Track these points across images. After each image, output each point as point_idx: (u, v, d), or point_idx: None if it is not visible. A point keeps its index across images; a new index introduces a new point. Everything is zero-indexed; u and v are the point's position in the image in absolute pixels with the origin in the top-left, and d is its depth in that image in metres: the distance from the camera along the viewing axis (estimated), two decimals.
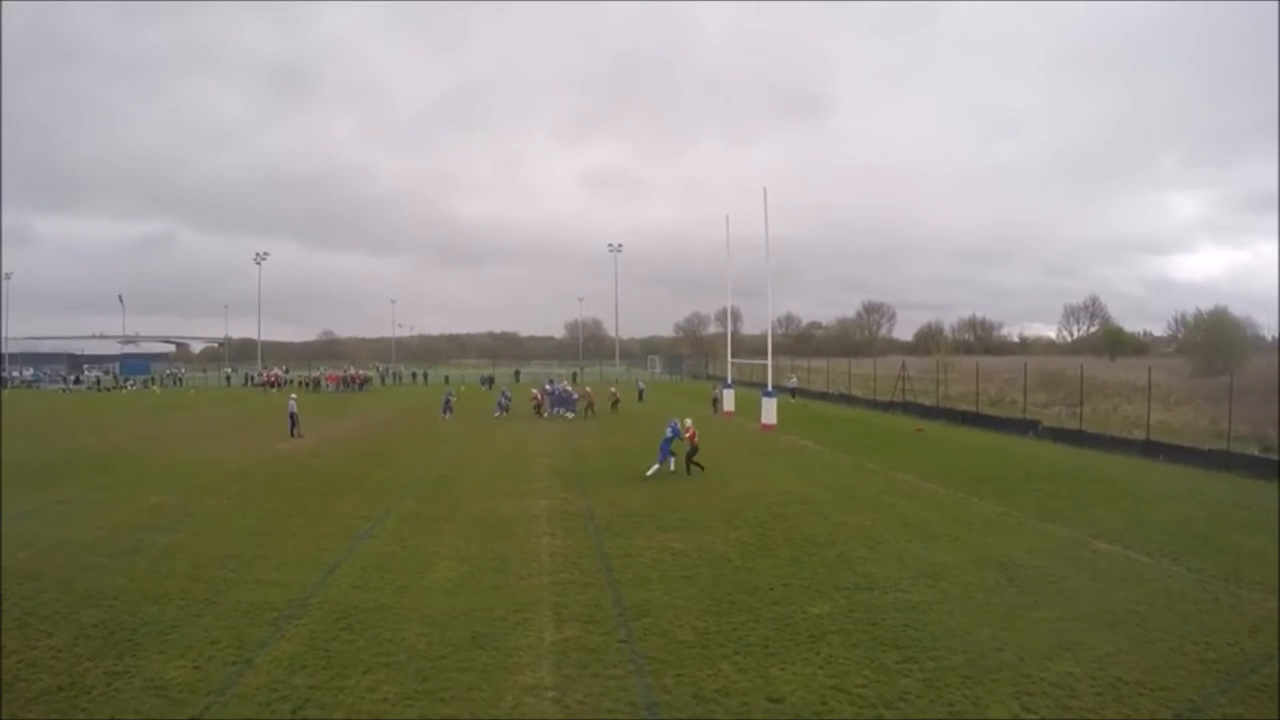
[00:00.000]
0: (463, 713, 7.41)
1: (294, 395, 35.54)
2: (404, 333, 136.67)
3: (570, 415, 37.89)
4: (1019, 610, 10.16)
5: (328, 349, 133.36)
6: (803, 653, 8.78)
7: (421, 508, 16.90)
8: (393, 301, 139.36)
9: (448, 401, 38.67)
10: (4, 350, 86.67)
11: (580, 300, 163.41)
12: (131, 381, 78.33)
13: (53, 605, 10.35)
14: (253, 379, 79.41)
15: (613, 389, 43.93)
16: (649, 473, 20.45)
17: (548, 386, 42.20)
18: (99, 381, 76.37)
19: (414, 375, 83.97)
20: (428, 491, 18.87)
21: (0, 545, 13.30)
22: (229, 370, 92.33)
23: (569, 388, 41.77)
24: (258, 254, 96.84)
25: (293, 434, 29.98)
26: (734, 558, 12.80)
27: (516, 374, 79.06)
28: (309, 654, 8.75)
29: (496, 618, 9.97)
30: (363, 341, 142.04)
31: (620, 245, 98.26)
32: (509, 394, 41.89)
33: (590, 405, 38.68)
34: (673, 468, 20.94)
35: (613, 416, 38.23)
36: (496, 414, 38.29)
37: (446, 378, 79.07)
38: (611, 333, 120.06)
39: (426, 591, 11.10)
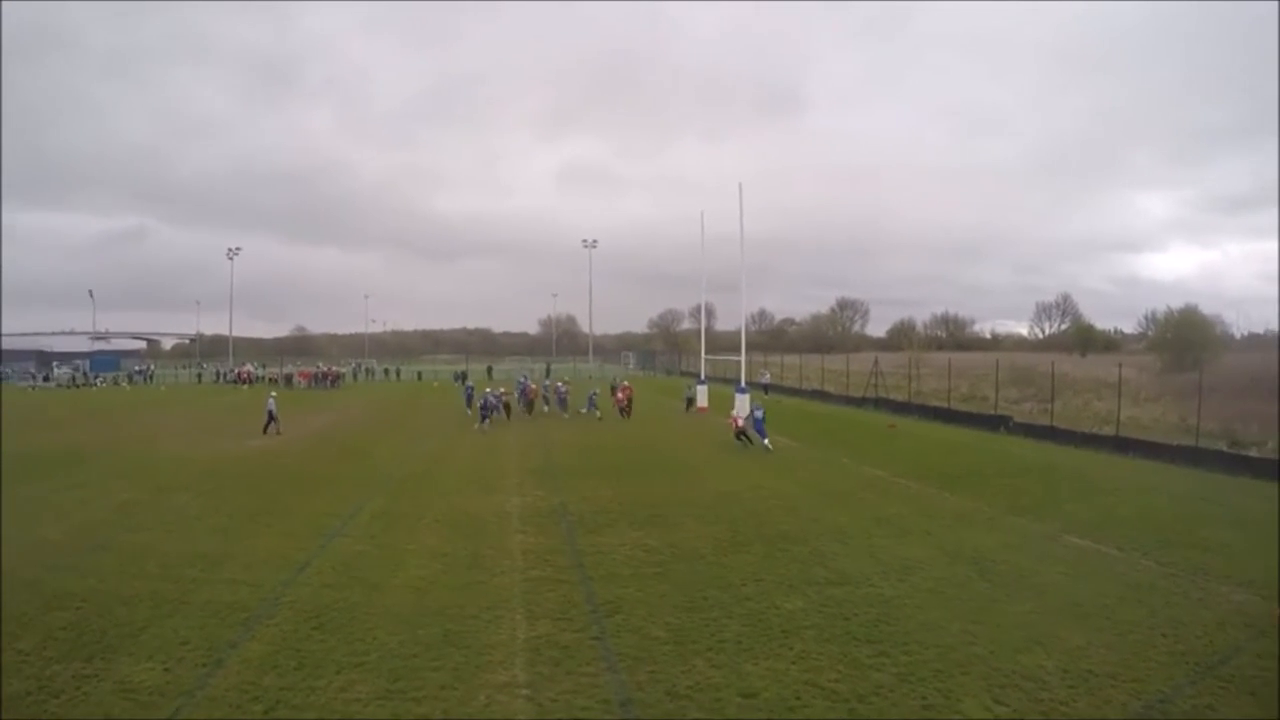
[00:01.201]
0: (435, 712, 7.37)
1: (274, 394, 35.26)
2: (377, 328, 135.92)
3: (597, 413, 34.94)
4: (990, 604, 10.26)
5: (300, 345, 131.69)
6: (776, 648, 8.82)
7: (393, 505, 16.79)
8: (366, 297, 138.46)
9: (485, 405, 32.25)
10: None
11: (554, 296, 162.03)
12: (101, 378, 77.09)
13: (20, 607, 10.16)
14: (225, 375, 78.43)
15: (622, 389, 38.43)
16: (768, 445, 24.58)
17: (520, 380, 41.14)
18: (74, 378, 75.09)
19: (387, 371, 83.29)
20: (399, 488, 18.74)
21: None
22: (200, 367, 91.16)
23: (562, 385, 38.88)
24: (230, 249, 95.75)
25: (266, 430, 29.62)
26: (707, 554, 12.82)
27: (489, 370, 78.64)
28: (280, 654, 8.66)
29: (469, 615, 9.93)
30: (335, 337, 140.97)
31: (595, 241, 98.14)
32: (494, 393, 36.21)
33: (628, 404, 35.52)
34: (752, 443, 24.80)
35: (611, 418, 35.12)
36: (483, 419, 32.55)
37: (419, 374, 78.68)
38: (585, 328, 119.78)
39: (398, 590, 11.03)
